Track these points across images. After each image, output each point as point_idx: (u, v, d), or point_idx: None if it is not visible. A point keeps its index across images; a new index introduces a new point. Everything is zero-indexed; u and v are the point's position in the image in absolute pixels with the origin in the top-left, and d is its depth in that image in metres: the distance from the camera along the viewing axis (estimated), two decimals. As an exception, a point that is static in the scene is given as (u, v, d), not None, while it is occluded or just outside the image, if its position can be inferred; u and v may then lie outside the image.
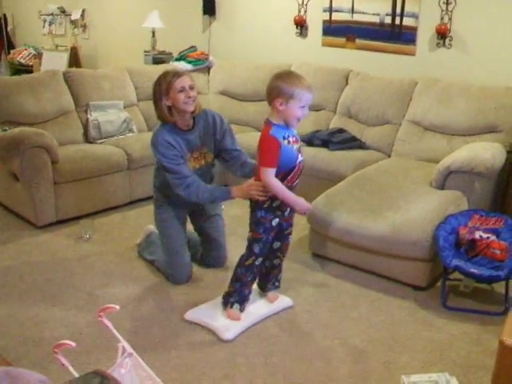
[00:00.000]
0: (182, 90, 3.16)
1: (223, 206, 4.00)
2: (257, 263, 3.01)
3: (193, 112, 3.26)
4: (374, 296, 3.38)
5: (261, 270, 3.16)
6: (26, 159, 4.06)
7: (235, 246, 3.65)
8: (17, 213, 4.45)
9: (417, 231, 3.33)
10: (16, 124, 4.52)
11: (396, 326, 3.07)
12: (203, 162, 3.41)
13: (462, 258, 3.28)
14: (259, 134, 2.88)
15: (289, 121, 2.78)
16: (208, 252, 3.69)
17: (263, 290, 3.26)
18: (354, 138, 4.76)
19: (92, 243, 4.04)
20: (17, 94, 4.64)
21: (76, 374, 2.03)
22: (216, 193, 3.24)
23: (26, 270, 3.62)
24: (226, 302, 3.08)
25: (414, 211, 3.50)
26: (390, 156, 4.72)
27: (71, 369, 2.09)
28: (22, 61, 8.42)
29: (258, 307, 3.16)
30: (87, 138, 4.94)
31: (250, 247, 2.98)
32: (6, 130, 4.35)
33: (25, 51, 8.50)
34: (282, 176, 2.84)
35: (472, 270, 3.13)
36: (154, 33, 6.45)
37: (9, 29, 8.93)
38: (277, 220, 2.94)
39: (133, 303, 3.26)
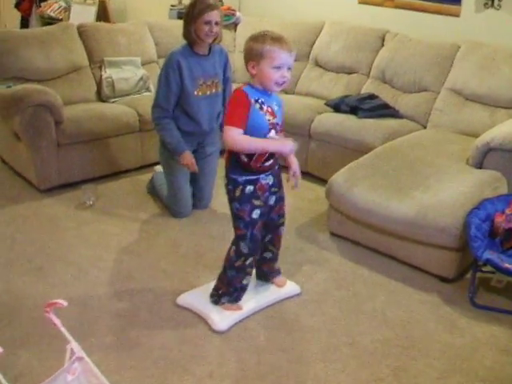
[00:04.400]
0: (208, 23, 3.38)
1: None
2: (247, 263, 2.63)
3: (211, 43, 3.53)
4: (393, 286, 3.01)
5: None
6: (27, 118, 3.77)
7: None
8: (21, 174, 4.19)
9: (446, 216, 2.93)
10: (23, 80, 4.24)
11: (414, 324, 2.70)
12: (214, 90, 3.63)
13: (496, 249, 2.86)
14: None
15: (265, 84, 2.42)
16: (194, 190, 3.81)
17: (265, 280, 2.91)
18: (386, 106, 4.31)
19: (93, 211, 3.75)
20: (25, 48, 4.33)
21: (68, 336, 1.89)
22: (174, 144, 3.54)
23: (18, 238, 3.36)
24: (218, 301, 2.71)
25: (445, 192, 3.09)
26: (425, 127, 4.27)
27: (63, 329, 1.90)
28: (52, 14, 8.07)
29: (260, 294, 2.82)
30: (100, 97, 4.63)
31: (236, 246, 2.60)
32: (10, 86, 4.06)
33: (55, 4, 8.16)
34: None
35: (506, 265, 2.71)
36: (180, -14, 6.04)
37: (40, -20, 8.62)
38: (258, 211, 2.53)
39: (123, 281, 2.97)
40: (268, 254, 2.80)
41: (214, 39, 3.49)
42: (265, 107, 2.44)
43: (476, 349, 2.53)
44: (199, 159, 3.72)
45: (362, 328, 2.66)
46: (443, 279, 3.04)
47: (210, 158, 3.79)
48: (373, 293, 2.94)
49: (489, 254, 2.77)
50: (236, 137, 2.38)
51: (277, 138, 2.49)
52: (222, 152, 3.78)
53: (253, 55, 2.39)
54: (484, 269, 3.00)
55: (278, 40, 2.38)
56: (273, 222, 2.70)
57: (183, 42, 3.57)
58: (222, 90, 3.70)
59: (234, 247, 2.60)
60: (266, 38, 2.37)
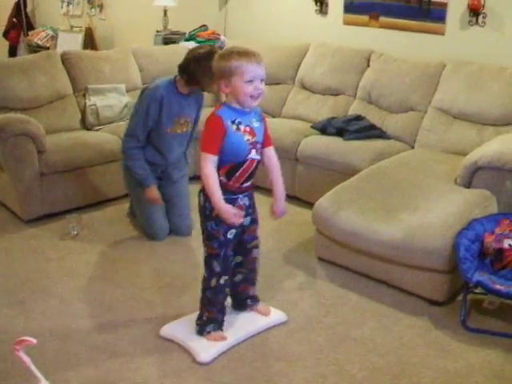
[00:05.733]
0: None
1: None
2: (222, 282, 2.56)
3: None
4: (383, 311, 2.93)
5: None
6: (8, 148, 3.72)
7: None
8: (4, 205, 4.12)
9: (434, 238, 2.86)
10: (7, 110, 4.17)
11: (404, 350, 2.61)
12: (185, 129, 3.63)
13: (487, 270, 2.80)
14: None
15: (240, 100, 2.36)
16: (170, 219, 3.73)
17: (243, 309, 2.83)
18: (372, 127, 4.26)
19: (78, 241, 3.68)
20: (7, 77, 4.28)
21: (38, 373, 1.87)
22: (143, 176, 3.52)
23: (0, 271, 3.28)
24: (202, 331, 2.62)
25: (433, 213, 3.03)
26: (413, 147, 4.21)
27: (33, 367, 1.87)
28: (40, 42, 8.11)
29: (244, 323, 2.74)
30: (85, 125, 4.58)
31: (209, 266, 2.54)
32: (-8, 115, 4.02)
33: (42, 33, 8.19)
34: (228, 170, 2.41)
35: (498, 286, 2.65)
36: (165, 12, 6.03)
37: (28, 10, 8.64)
38: (233, 231, 2.49)
39: (107, 313, 2.89)
40: (238, 277, 2.71)
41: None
42: (242, 127, 2.38)
43: (470, 374, 2.45)
44: (166, 186, 3.70)
45: (351, 356, 2.57)
46: (434, 302, 2.96)
47: (177, 185, 3.75)
48: (362, 319, 2.86)
49: (479, 276, 2.71)
50: (209, 170, 2.34)
51: (230, 207, 2.40)
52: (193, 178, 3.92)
53: (222, 74, 2.34)
54: (476, 290, 2.93)
55: (244, 54, 2.33)
56: (244, 244, 2.62)
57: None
58: (192, 128, 3.72)
59: (206, 267, 2.54)
60: (232, 53, 2.33)
